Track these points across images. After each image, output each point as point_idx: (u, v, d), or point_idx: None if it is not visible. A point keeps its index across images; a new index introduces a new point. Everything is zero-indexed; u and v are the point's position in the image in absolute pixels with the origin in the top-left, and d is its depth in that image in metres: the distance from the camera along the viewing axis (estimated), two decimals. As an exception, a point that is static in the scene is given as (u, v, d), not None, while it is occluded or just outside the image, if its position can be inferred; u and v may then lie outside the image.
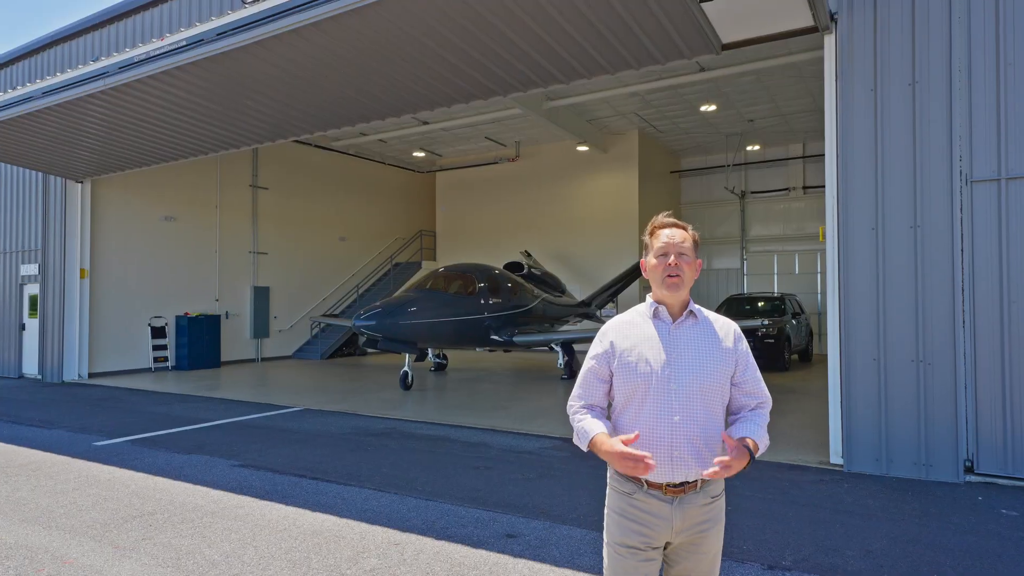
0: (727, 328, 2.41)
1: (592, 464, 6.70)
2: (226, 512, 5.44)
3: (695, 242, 2.40)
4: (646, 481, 2.28)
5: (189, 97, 9.35)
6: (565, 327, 17.42)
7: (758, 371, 2.43)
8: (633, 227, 20.24)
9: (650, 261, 2.39)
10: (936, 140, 6.31)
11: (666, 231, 2.39)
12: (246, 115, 10.16)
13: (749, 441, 2.26)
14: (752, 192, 22.04)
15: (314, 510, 5.49)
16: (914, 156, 6.40)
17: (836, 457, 6.90)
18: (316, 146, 20.19)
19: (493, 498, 5.79)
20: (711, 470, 2.14)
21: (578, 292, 20.06)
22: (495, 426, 9.09)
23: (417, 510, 5.48)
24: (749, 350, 2.42)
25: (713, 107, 17.27)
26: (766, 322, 14.50)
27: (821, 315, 20.50)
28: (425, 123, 18.69)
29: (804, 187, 21.10)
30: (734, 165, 21.42)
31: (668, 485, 2.26)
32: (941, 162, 6.29)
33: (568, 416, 2.47)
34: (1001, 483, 6.09)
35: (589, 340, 14.55)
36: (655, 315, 2.39)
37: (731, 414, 2.43)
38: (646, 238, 2.44)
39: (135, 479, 6.49)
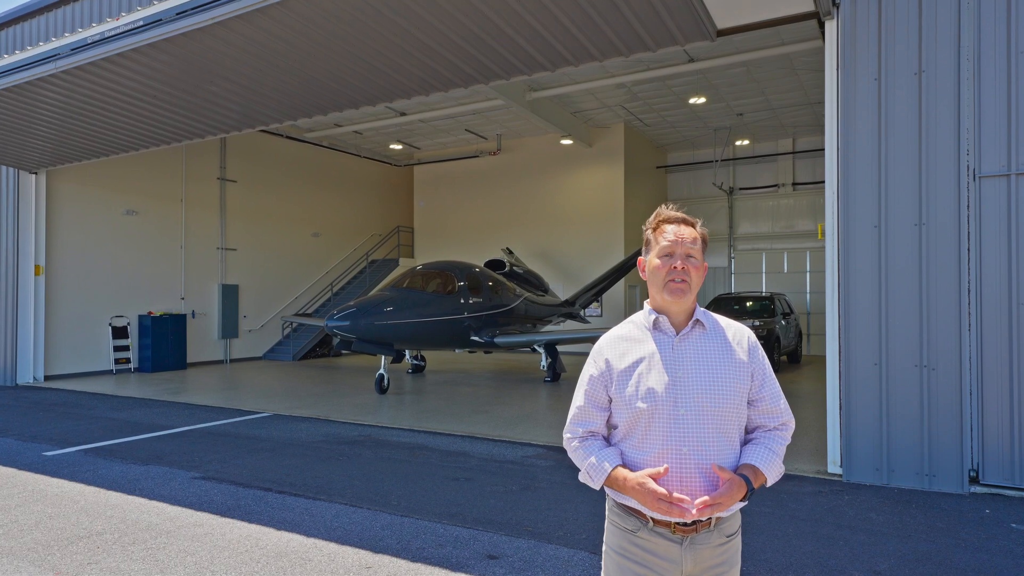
0: (740, 336, 2.15)
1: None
2: (182, 531, 5.12)
3: (704, 241, 2.14)
4: (652, 518, 2.02)
5: (149, 82, 8.97)
6: (548, 327, 17.19)
7: (777, 385, 2.18)
8: (618, 224, 20.06)
9: (651, 261, 2.12)
10: (942, 133, 6.14)
11: (672, 227, 2.11)
12: (211, 102, 9.79)
13: (748, 470, 2.02)
14: (740, 188, 21.96)
15: (279, 528, 5.19)
16: (919, 150, 6.22)
17: (834, 466, 6.73)
18: (288, 137, 19.76)
19: (473, 514, 5.52)
20: (696, 504, 1.90)
21: (561, 291, 19.84)
22: (475, 433, 8.82)
23: (391, 528, 5.20)
24: (767, 361, 2.17)
25: (702, 100, 17.13)
26: (756, 323, 14.40)
27: (810, 315, 20.49)
28: (402, 114, 18.35)
29: (794, 183, 21.06)
30: (722, 160, 21.32)
31: (677, 523, 2.01)
32: (948, 156, 6.12)
33: (567, 448, 2.20)
34: (1008, 494, 5.94)
35: (573, 341, 14.35)
36: (655, 326, 2.12)
37: (746, 434, 2.17)
38: (648, 232, 2.17)
39: (85, 494, 6.14)
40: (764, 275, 21.75)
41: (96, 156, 13.03)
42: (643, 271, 2.18)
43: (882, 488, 6.25)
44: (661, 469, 1.94)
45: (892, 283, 6.35)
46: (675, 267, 2.06)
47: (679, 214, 2.15)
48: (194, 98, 9.63)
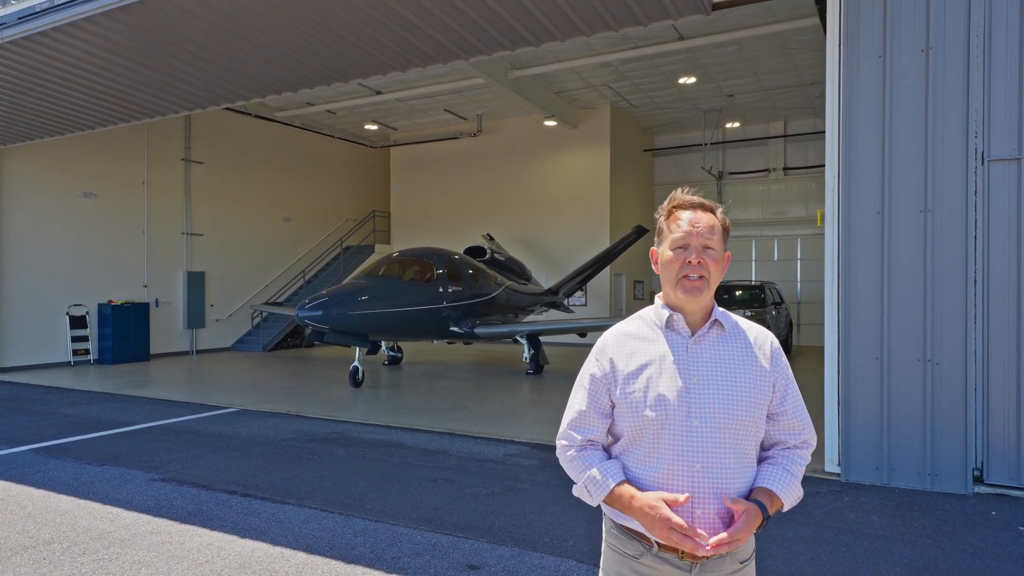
0: (763, 340, 1.96)
1: (566, 476, 6.28)
2: (138, 540, 4.88)
3: (725, 229, 1.94)
4: (657, 542, 1.83)
5: (104, 54, 8.60)
6: (531, 317, 17.03)
7: (801, 398, 1.98)
8: (604, 209, 19.88)
9: (664, 253, 1.92)
10: (950, 113, 5.98)
11: (687, 214, 1.91)
12: (172, 76, 9.43)
13: (763, 494, 1.84)
14: (730, 173, 21.87)
15: (243, 536, 4.96)
16: (925, 131, 6.07)
17: (832, 465, 6.61)
18: (257, 116, 19.29)
19: (453, 518, 5.33)
20: (710, 544, 1.72)
21: (544, 279, 19.66)
22: (455, 429, 8.62)
23: (365, 534, 4.99)
24: (790, 369, 1.98)
25: (692, 80, 16.95)
26: (746, 313, 14.31)
27: (801, 304, 20.50)
28: (378, 92, 18.01)
29: (785, 168, 21.00)
30: (711, 144, 21.19)
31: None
32: (955, 138, 5.97)
33: (560, 456, 2.02)
34: (1014, 495, 5.85)
35: (556, 332, 14.13)
36: (668, 325, 1.92)
37: (761, 450, 1.99)
38: (661, 220, 1.96)
39: (34, 498, 5.87)
40: (754, 263, 21.74)
41: (50, 134, 12.61)
42: (655, 264, 1.98)
43: (882, 488, 6.14)
44: (681, 497, 1.75)
45: (895, 273, 6.21)
46: (689, 261, 1.86)
47: (695, 198, 1.94)
48: (153, 72, 9.27)
